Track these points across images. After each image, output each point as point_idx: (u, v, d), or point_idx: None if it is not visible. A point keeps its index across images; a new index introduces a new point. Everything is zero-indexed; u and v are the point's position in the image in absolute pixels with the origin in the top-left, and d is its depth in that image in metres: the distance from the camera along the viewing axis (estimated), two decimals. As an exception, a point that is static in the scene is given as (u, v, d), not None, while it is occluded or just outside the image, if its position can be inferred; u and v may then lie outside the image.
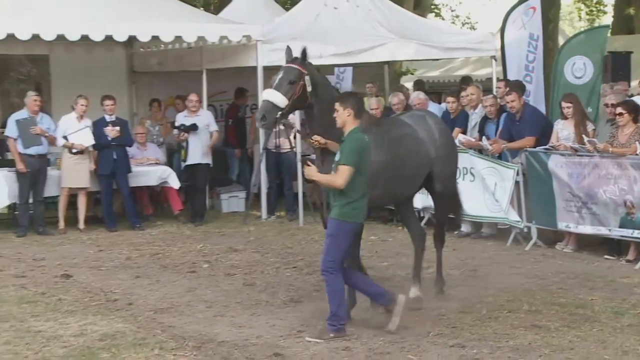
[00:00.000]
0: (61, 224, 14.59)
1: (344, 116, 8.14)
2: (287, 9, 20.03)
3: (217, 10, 22.57)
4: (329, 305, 8.17)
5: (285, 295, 9.93)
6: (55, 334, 8.35)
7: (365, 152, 8.15)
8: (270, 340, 8.14)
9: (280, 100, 8.63)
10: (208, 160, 15.44)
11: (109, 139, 14.74)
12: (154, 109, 17.09)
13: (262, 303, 9.57)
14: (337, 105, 8.20)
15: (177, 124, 15.55)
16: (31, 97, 14.42)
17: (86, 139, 14.59)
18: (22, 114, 14.37)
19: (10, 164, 14.56)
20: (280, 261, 11.95)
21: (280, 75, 8.82)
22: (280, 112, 8.64)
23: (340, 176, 8.02)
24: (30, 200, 14.36)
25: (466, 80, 17.77)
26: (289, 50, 9.05)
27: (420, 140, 9.31)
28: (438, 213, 10.14)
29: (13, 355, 7.67)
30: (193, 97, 15.47)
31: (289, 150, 15.32)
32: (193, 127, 15.31)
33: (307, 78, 8.73)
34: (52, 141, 14.36)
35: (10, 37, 13.99)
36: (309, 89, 8.73)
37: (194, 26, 15.20)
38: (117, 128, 14.77)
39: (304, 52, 8.90)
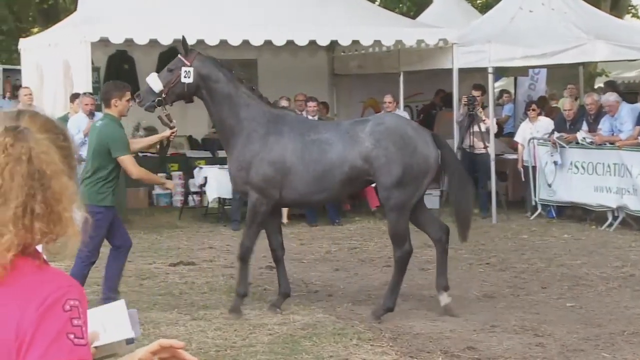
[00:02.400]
0: (266, 218, 15.26)
1: None
2: (482, 13, 20.10)
3: (415, 14, 22.87)
4: None
5: (478, 291, 10.11)
6: (260, 322, 8.75)
7: (90, 136, 9.11)
8: (463, 334, 8.31)
9: (156, 85, 9.04)
10: None
11: (310, 138, 15.30)
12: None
13: (455, 297, 9.64)
14: None
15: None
16: None
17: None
18: None
19: (220, 161, 15.32)
20: (473, 257, 12.07)
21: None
22: (157, 98, 9.05)
23: None
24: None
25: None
26: (183, 41, 9.40)
27: (334, 146, 9.03)
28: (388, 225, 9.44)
29: (223, 341, 8.09)
30: (388, 98, 15.84)
31: (482, 149, 15.48)
32: None
33: (185, 69, 8.98)
34: None
35: (223, 42, 14.78)
36: (186, 80, 8.95)
37: (393, 30, 15.56)
38: (318, 128, 15.32)
39: (184, 44, 9.28)
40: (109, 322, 2.38)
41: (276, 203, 9.25)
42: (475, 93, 15.70)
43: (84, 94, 13.95)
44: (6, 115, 2.14)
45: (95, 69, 15.52)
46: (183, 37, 9.45)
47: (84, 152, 13.59)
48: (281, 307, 9.18)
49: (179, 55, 9.27)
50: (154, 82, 9.13)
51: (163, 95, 9.09)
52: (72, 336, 2.02)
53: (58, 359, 2.00)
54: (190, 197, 16.49)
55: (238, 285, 9.20)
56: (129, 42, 14.81)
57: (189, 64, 9.07)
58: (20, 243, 2.04)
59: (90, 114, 13.62)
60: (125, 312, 2.41)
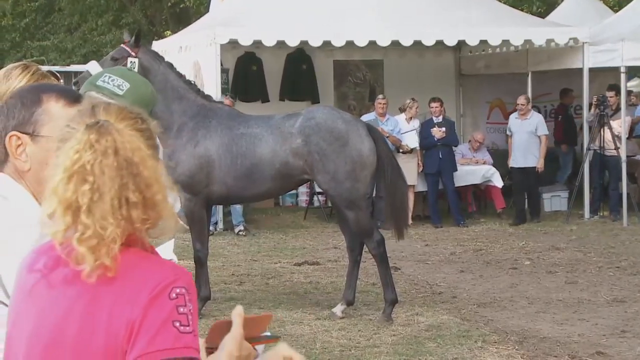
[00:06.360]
0: (392, 219, 15.28)
1: None
2: (615, 11, 19.66)
3: (544, 13, 22.52)
4: None
5: (608, 295, 9.88)
6: (384, 322, 8.76)
7: None
8: (592, 338, 8.16)
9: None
10: (534, 163, 15.32)
11: (435, 139, 15.27)
12: None
13: (584, 301, 9.60)
14: None
15: (509, 125, 15.79)
16: (376, 101, 15.29)
17: (412, 141, 15.21)
18: (370, 116, 15.09)
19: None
20: (603, 260, 11.85)
21: (111, 52, 9.16)
22: None
23: None
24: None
25: None
26: (126, 33, 9.28)
27: (264, 140, 8.90)
28: (348, 222, 9.11)
29: (347, 341, 8.14)
30: (521, 100, 15.52)
31: (613, 151, 15.12)
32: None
33: (131, 60, 8.80)
34: (394, 142, 14.89)
35: (349, 43, 14.88)
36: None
37: (521, 30, 15.36)
38: (443, 129, 15.25)
39: (137, 35, 9.04)
40: None
41: (206, 200, 9.13)
42: (609, 94, 15.36)
43: (225, 95, 14.33)
44: (82, 113, 2.19)
45: (224, 70, 15.80)
46: (137, 29, 9.53)
47: None
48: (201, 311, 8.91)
49: (123, 45, 9.25)
50: (95, 69, 9.15)
51: None
52: (177, 324, 2.05)
53: (164, 346, 2.04)
54: (315, 197, 16.62)
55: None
56: (257, 43, 15.04)
57: (134, 54, 9.05)
58: (123, 234, 2.09)
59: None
60: None
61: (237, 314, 2.22)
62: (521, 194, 15.52)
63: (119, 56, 9.12)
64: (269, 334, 2.35)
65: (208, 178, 9.00)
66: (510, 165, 15.59)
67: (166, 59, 9.74)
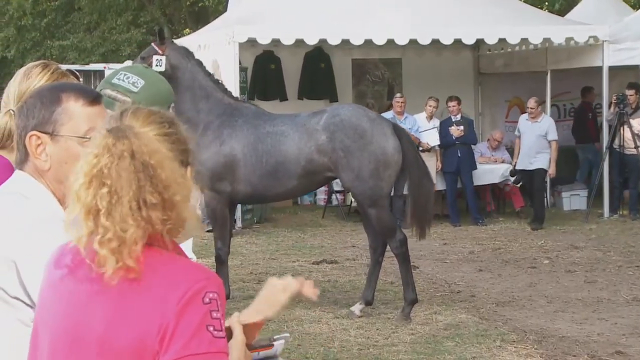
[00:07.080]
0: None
1: None
2: (635, 9, 19.57)
3: (564, 12, 22.43)
4: None
5: (628, 294, 9.83)
6: (403, 321, 8.75)
7: None
8: (612, 338, 8.12)
9: None
10: (543, 165, 14.91)
11: (454, 138, 15.24)
12: None
13: (603, 301, 9.56)
14: None
15: (518, 125, 15.70)
16: (394, 99, 15.27)
17: (432, 139, 15.19)
18: (388, 114, 15.02)
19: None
20: (623, 260, 11.78)
21: (141, 53, 9.27)
22: None
23: None
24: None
25: None
26: (159, 30, 9.35)
27: (289, 138, 8.90)
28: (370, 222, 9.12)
29: (365, 339, 8.14)
30: (531, 103, 15.04)
31: (633, 150, 15.03)
32: None
33: (157, 57, 8.82)
34: (413, 140, 14.79)
35: (367, 42, 14.86)
36: (158, 68, 8.69)
37: (540, 28, 15.28)
38: (461, 127, 15.19)
39: (159, 32, 9.12)
40: None
41: (231, 198, 9.16)
42: (629, 92, 15.27)
43: None
44: (111, 117, 2.24)
45: (242, 69, 15.82)
46: (159, 27, 9.55)
47: None
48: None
49: (152, 44, 9.30)
50: None
51: None
52: (211, 328, 2.08)
53: (199, 351, 2.06)
54: (333, 196, 16.63)
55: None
56: (276, 42, 15.06)
57: (161, 52, 9.08)
58: (144, 235, 2.10)
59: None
60: None
61: (237, 321, 2.25)
62: (540, 193, 15.43)
63: (146, 55, 9.20)
64: (263, 343, 2.38)
65: (233, 177, 9.03)
66: (515, 167, 15.38)
67: None
